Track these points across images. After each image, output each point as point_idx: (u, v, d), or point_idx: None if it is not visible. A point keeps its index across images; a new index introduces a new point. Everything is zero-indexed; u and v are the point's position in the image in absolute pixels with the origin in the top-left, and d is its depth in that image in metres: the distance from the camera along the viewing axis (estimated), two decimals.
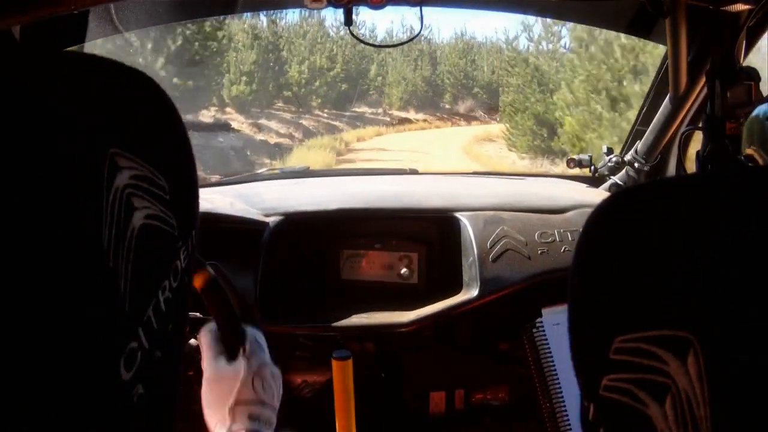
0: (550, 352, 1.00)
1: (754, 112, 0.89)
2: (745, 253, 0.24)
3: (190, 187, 0.35)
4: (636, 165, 1.43)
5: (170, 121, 0.34)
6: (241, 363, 0.67)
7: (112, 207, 0.27)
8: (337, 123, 16.80)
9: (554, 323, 1.02)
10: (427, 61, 21.19)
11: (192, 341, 0.73)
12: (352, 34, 1.12)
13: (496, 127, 14.64)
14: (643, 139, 1.40)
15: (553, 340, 1.01)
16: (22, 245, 0.24)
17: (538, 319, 1.06)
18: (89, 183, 0.26)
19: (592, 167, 1.53)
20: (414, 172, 1.79)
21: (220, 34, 11.76)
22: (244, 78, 14.69)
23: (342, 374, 0.97)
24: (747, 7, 0.98)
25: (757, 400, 0.23)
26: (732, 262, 0.24)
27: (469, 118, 19.27)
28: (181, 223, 0.33)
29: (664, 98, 1.28)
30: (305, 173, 1.71)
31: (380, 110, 19.50)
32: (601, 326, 0.28)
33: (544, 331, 1.02)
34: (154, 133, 0.32)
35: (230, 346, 0.69)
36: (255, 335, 0.72)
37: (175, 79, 10.57)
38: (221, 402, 0.65)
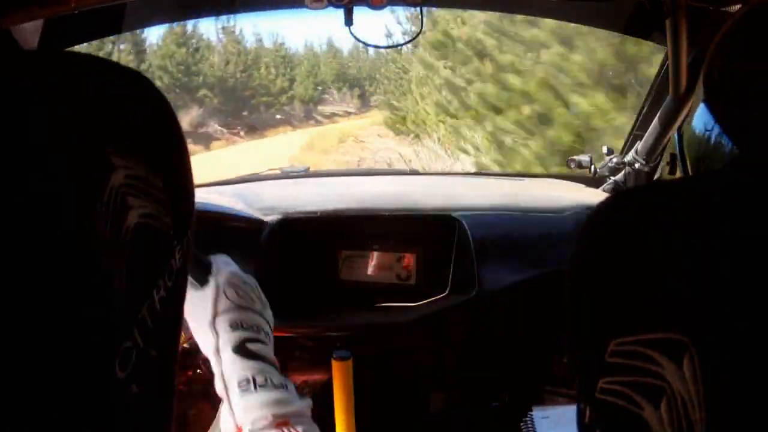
0: None
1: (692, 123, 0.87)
2: (741, 256, 0.24)
3: (185, 186, 0.35)
4: (636, 165, 1.43)
5: (165, 120, 0.34)
6: (210, 282, 0.65)
7: (107, 206, 0.27)
8: None
9: (543, 417, 1.11)
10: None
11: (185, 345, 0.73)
12: (352, 35, 1.12)
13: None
14: (643, 140, 1.40)
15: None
16: (17, 244, 0.24)
17: (529, 413, 1.12)
18: (84, 182, 0.26)
19: (592, 167, 1.52)
20: (414, 172, 1.79)
21: None
22: None
23: (342, 374, 0.97)
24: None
25: (751, 403, 0.23)
26: (728, 265, 0.24)
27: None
28: (177, 222, 0.33)
29: (664, 98, 1.27)
30: (305, 173, 1.71)
31: None
32: (597, 329, 0.28)
33: (534, 424, 1.10)
34: (149, 133, 0.32)
35: (199, 275, 0.66)
36: (221, 258, 0.69)
37: None
38: (202, 326, 0.62)
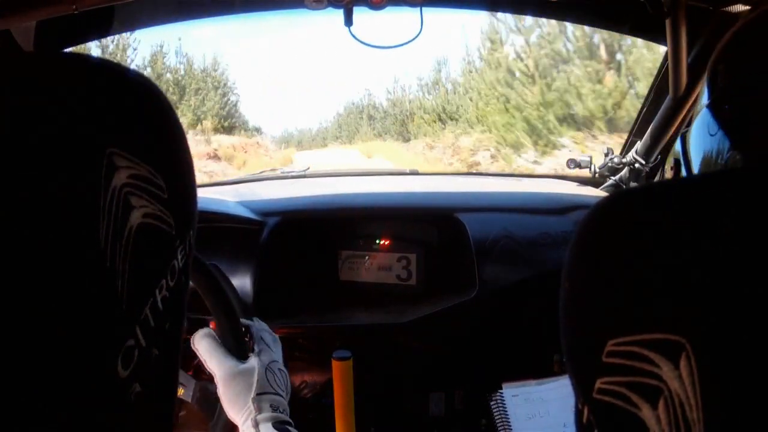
0: (509, 422, 1.10)
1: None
2: (739, 257, 0.24)
3: (187, 186, 0.35)
4: (636, 165, 1.43)
5: (167, 120, 0.34)
6: (254, 359, 0.72)
7: (109, 206, 0.27)
8: None
9: (513, 395, 1.13)
10: None
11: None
12: (352, 35, 1.11)
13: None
14: (642, 140, 1.40)
15: (512, 410, 1.11)
16: (20, 244, 0.24)
17: (499, 391, 1.14)
18: (87, 182, 0.26)
19: (592, 167, 1.53)
20: (414, 172, 1.79)
21: None
22: None
23: (342, 374, 0.97)
24: (747, 7, 0.98)
25: (749, 403, 0.23)
26: (726, 265, 0.24)
27: None
28: (179, 222, 0.33)
29: (664, 98, 1.27)
30: (304, 174, 1.71)
31: None
32: (594, 329, 0.28)
33: (504, 402, 1.12)
34: (151, 133, 0.32)
35: (238, 344, 0.72)
36: (260, 332, 0.76)
37: None
38: (243, 396, 0.69)
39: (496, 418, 1.10)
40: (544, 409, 1.09)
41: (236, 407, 0.70)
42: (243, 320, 0.77)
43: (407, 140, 11.56)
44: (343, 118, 14.79)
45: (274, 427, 0.67)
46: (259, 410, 0.68)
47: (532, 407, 1.10)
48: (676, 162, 0.62)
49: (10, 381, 0.23)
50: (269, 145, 12.27)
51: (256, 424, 0.68)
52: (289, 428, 0.68)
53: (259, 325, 0.79)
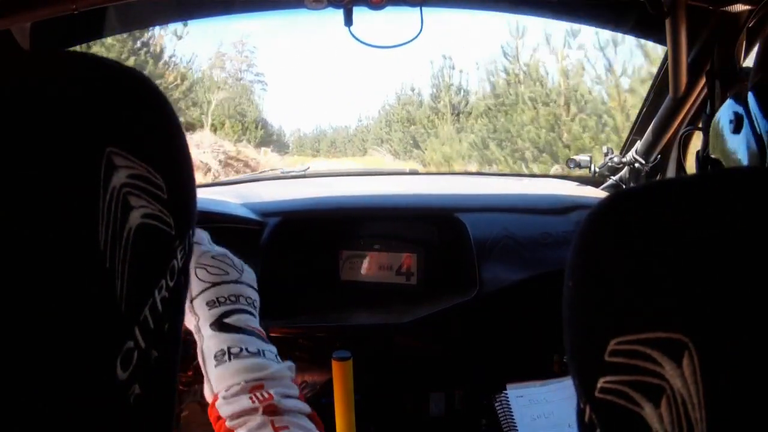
0: (515, 423, 1.09)
1: (715, 117, 0.89)
2: (741, 255, 0.24)
3: (187, 186, 0.35)
4: (636, 165, 1.43)
5: (166, 120, 0.34)
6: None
7: (109, 206, 0.27)
8: None
9: (518, 396, 1.12)
10: None
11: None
12: (352, 35, 1.11)
13: None
14: (642, 140, 1.40)
15: (517, 411, 1.10)
16: (18, 244, 0.24)
17: (503, 392, 1.13)
18: (86, 182, 0.26)
19: (592, 167, 1.53)
20: (414, 172, 1.79)
21: None
22: None
23: (342, 374, 0.97)
24: (747, 7, 0.98)
25: (752, 402, 0.23)
26: (729, 264, 0.24)
27: None
28: (178, 222, 0.32)
29: (664, 98, 1.27)
30: (305, 174, 1.71)
31: None
32: (596, 328, 0.28)
33: (509, 403, 1.12)
34: (150, 133, 0.32)
35: None
36: (192, 239, 0.70)
37: None
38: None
39: (501, 418, 1.10)
40: (548, 410, 1.09)
41: (187, 324, 0.64)
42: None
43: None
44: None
45: (214, 327, 0.61)
46: (197, 316, 0.63)
47: (536, 408, 1.10)
48: (705, 158, 0.64)
49: (9, 382, 0.23)
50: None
51: (198, 331, 0.63)
52: (228, 319, 0.62)
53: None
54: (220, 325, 0.61)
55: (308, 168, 1.73)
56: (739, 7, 0.98)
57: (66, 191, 0.25)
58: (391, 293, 1.31)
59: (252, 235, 1.24)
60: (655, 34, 1.20)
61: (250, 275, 0.69)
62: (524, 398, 1.11)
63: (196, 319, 0.63)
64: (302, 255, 1.33)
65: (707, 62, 1.09)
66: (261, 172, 1.82)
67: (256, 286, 0.68)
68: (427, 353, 1.28)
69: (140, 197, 0.29)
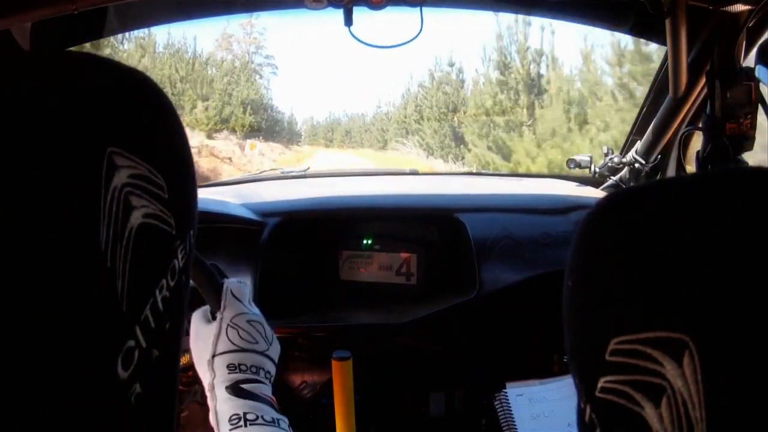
0: (514, 421, 1.09)
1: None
2: (742, 255, 0.24)
3: (188, 186, 0.35)
4: (636, 165, 1.43)
5: (168, 120, 0.34)
6: (217, 318, 0.67)
7: (110, 206, 0.27)
8: None
9: (518, 395, 1.12)
10: None
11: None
12: (352, 35, 1.11)
13: None
14: (642, 140, 1.40)
15: (516, 410, 1.10)
16: (19, 244, 0.24)
17: (503, 391, 1.13)
18: (87, 182, 0.26)
19: (592, 167, 1.53)
20: (414, 172, 1.79)
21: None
22: None
23: (342, 374, 0.97)
24: (747, 7, 0.98)
25: (752, 402, 0.23)
26: (729, 263, 0.24)
27: None
28: (179, 222, 0.33)
29: (664, 98, 1.27)
30: (305, 174, 1.71)
31: None
32: (597, 328, 0.28)
33: (508, 402, 1.12)
34: (152, 132, 0.32)
35: (212, 307, 0.68)
36: (231, 288, 0.70)
37: None
38: (202, 361, 0.65)
39: (500, 417, 1.10)
40: (548, 409, 1.09)
41: (201, 374, 0.66)
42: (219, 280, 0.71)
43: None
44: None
45: (230, 390, 0.62)
46: (213, 374, 0.64)
47: (536, 407, 1.10)
48: (705, 158, 0.62)
49: (10, 382, 0.23)
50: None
51: (211, 388, 0.63)
52: (246, 385, 0.63)
53: (229, 282, 0.72)
54: (236, 389, 0.62)
55: (308, 168, 1.73)
56: (739, 7, 0.99)
57: (67, 191, 0.25)
58: (391, 293, 1.31)
59: (252, 235, 1.24)
60: (655, 34, 1.20)
61: (275, 349, 0.70)
62: (524, 397, 1.11)
63: (212, 376, 0.64)
64: (302, 255, 1.33)
65: (707, 62, 1.09)
66: (261, 172, 1.81)
67: (277, 360, 0.70)
68: (427, 353, 1.28)
69: (141, 197, 0.29)
